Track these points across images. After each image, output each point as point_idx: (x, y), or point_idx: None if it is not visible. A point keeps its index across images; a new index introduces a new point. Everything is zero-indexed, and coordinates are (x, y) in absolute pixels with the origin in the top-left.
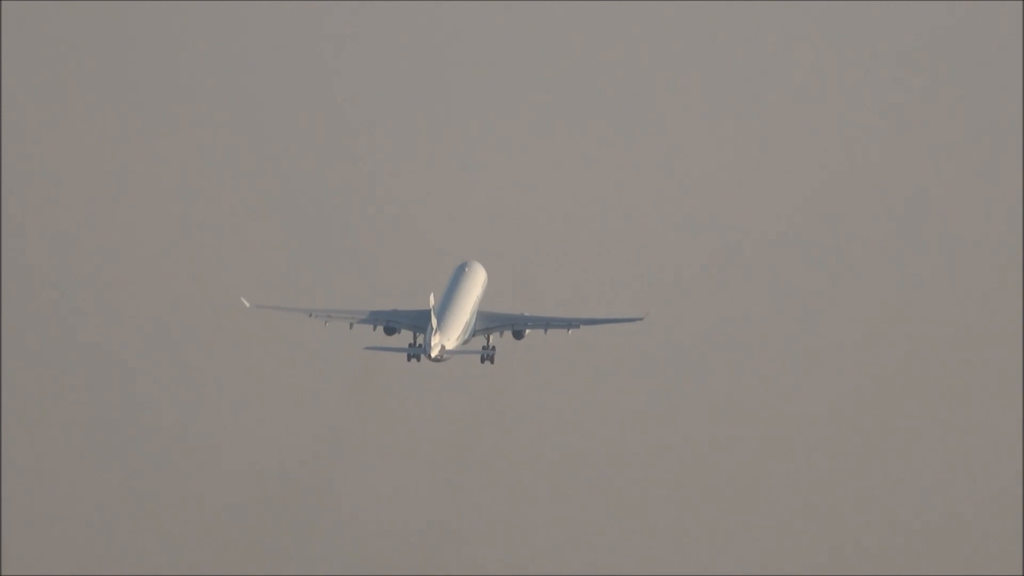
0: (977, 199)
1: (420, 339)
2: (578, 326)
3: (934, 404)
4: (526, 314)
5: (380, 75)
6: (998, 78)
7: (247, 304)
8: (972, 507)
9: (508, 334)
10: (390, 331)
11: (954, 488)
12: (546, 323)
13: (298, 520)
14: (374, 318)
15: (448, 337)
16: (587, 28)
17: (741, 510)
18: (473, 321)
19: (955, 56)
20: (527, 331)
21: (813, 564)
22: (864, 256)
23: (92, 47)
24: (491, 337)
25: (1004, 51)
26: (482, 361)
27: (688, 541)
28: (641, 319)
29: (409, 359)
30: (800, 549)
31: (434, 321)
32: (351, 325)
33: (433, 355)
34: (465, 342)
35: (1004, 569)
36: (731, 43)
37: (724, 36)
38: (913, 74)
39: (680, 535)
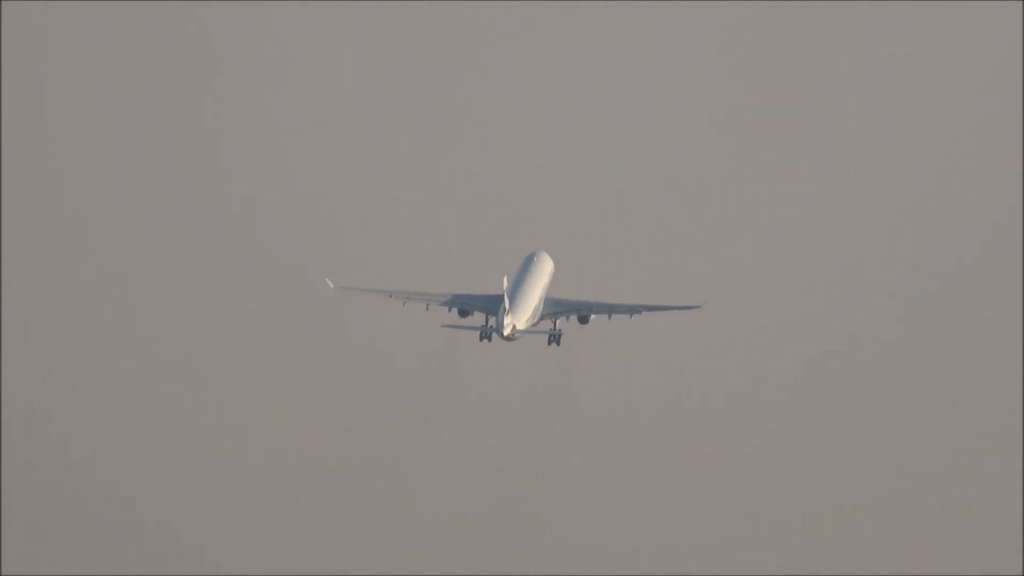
0: (977, 199)
1: (492, 321)
2: (640, 312)
3: (945, 404)
4: (591, 300)
5: (444, 72)
6: (998, 78)
7: (331, 285)
8: (972, 507)
9: (574, 319)
10: (464, 313)
11: (954, 488)
12: (610, 309)
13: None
14: (450, 301)
15: (519, 318)
16: (641, 23)
17: (768, 500)
18: (541, 306)
19: (955, 56)
20: (592, 316)
21: (814, 564)
22: (913, 257)
23: (92, 47)
24: (558, 321)
25: (1004, 51)
26: (549, 343)
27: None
28: (700, 306)
29: (481, 339)
30: (801, 547)
31: (506, 302)
32: (427, 306)
33: (505, 333)
34: (534, 325)
35: (1004, 569)
36: (767, 39)
37: (756, 33)
38: (913, 74)
39: (724, 517)
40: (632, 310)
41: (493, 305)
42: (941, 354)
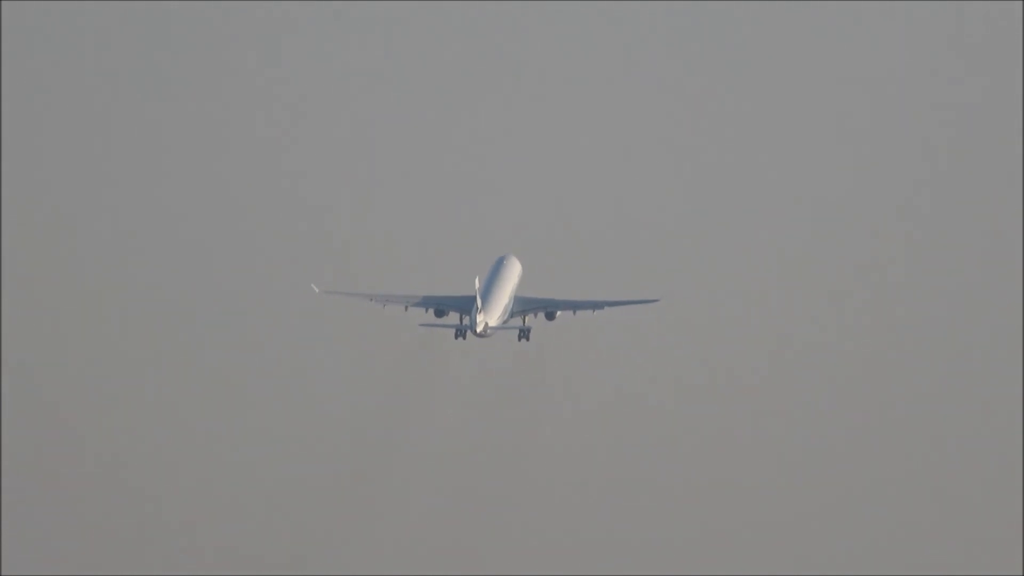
0: (977, 199)
1: (466, 320)
2: (602, 307)
3: (940, 400)
4: (557, 298)
5: (414, 81)
6: (998, 78)
7: (316, 289)
8: (972, 507)
9: (542, 316)
10: (439, 313)
11: (954, 488)
12: (574, 306)
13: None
14: (426, 302)
15: (491, 315)
16: (613, 25)
17: (743, 497)
18: (511, 305)
19: (955, 56)
20: (558, 313)
21: (813, 564)
22: (872, 251)
23: (92, 47)
24: (527, 318)
25: (1004, 51)
26: (519, 339)
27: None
28: (657, 301)
29: (456, 336)
30: (799, 547)
31: (479, 301)
32: (406, 308)
33: (478, 330)
34: (505, 322)
35: (1004, 569)
36: (741, 42)
37: (733, 36)
38: (914, 75)
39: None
40: (595, 306)
41: (467, 305)
42: (918, 343)
